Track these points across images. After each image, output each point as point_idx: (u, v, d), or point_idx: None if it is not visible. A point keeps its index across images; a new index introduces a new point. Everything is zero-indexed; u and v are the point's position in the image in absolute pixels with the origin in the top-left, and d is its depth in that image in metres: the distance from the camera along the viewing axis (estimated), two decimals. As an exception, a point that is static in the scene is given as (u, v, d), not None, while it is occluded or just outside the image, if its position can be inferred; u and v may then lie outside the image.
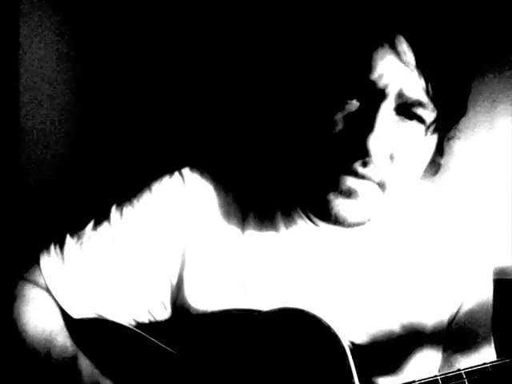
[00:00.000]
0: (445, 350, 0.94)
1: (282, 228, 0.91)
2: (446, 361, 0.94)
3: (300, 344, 0.83)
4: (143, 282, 0.91)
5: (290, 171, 0.93)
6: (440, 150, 0.85)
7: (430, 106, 0.78)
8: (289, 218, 0.91)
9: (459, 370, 0.79)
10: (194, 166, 0.94)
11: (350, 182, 0.79)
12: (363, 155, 0.77)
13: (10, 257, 1.22)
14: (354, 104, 0.78)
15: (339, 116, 0.79)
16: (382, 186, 0.80)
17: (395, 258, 0.92)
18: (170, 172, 0.94)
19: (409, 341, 0.90)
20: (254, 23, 1.34)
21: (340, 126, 0.79)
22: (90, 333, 0.91)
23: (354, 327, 0.89)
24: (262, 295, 0.88)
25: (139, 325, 0.93)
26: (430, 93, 0.77)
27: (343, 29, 0.80)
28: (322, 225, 0.89)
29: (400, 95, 0.76)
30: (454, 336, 0.94)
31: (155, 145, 1.41)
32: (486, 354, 0.94)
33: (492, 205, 1.31)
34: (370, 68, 0.76)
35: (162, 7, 1.42)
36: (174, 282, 0.91)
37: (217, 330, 0.89)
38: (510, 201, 1.31)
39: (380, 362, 0.89)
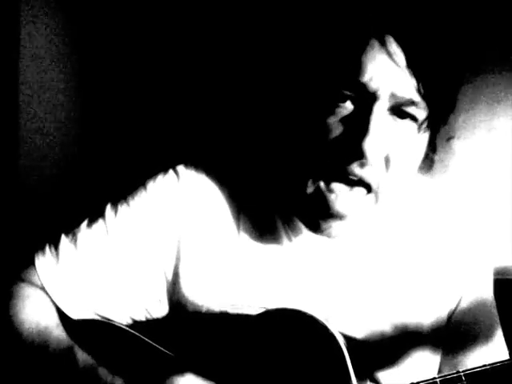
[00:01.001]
0: (444, 348, 0.94)
1: (279, 225, 0.90)
2: (446, 358, 0.94)
3: (297, 344, 0.83)
4: (139, 280, 0.91)
5: (282, 171, 0.92)
6: (432, 147, 0.85)
7: (423, 104, 0.78)
8: (285, 216, 0.90)
9: (458, 371, 0.78)
10: (188, 163, 0.94)
11: (340, 199, 0.79)
12: (359, 157, 0.76)
13: (7, 257, 1.22)
14: (348, 107, 0.78)
15: (333, 120, 0.78)
16: (376, 189, 0.80)
17: (394, 254, 0.91)
18: (165, 169, 0.94)
19: (407, 336, 0.90)
20: (250, 28, 1.35)
21: (335, 130, 0.78)
22: (87, 333, 0.90)
23: (353, 322, 0.88)
24: (258, 291, 0.88)
25: (136, 322, 0.93)
26: (422, 91, 0.77)
27: (333, 31, 0.80)
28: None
29: (392, 95, 0.76)
30: (454, 332, 0.93)
31: (151, 143, 1.41)
32: (486, 353, 0.93)
33: (492, 204, 1.31)
34: (360, 70, 0.76)
35: (161, 8, 1.42)
36: (170, 278, 0.91)
37: (213, 330, 0.88)
38: (509, 200, 1.30)
39: (379, 357, 0.89)
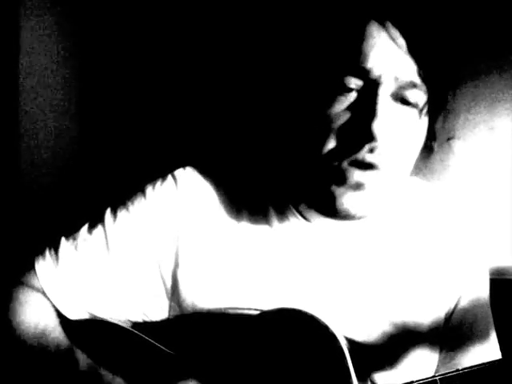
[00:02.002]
0: (442, 347, 0.94)
1: (276, 224, 0.91)
2: (444, 358, 0.94)
3: (298, 344, 0.83)
4: (137, 285, 0.91)
5: (285, 168, 0.93)
6: (432, 134, 0.86)
7: (423, 87, 0.80)
8: (282, 215, 0.91)
9: (458, 370, 0.78)
10: (187, 166, 0.94)
11: (356, 174, 0.80)
12: (369, 140, 0.78)
13: (7, 261, 1.22)
14: (353, 94, 0.79)
15: (339, 108, 0.80)
16: (386, 173, 0.81)
17: (391, 253, 0.91)
18: (163, 175, 0.94)
19: (406, 336, 0.90)
20: (249, 25, 1.35)
21: (342, 118, 0.80)
22: (87, 334, 0.90)
23: (350, 323, 0.88)
24: (257, 293, 0.88)
25: (134, 325, 0.93)
26: (422, 74, 0.79)
27: (333, 18, 0.81)
28: (315, 221, 0.89)
29: (396, 79, 0.78)
30: (451, 332, 0.94)
31: (149, 145, 1.42)
32: (484, 352, 0.93)
33: (492, 204, 1.31)
34: (363, 56, 0.77)
35: (161, 9, 1.43)
36: (169, 283, 0.91)
37: (214, 330, 0.88)
38: (509, 200, 1.30)
39: (377, 358, 0.89)
